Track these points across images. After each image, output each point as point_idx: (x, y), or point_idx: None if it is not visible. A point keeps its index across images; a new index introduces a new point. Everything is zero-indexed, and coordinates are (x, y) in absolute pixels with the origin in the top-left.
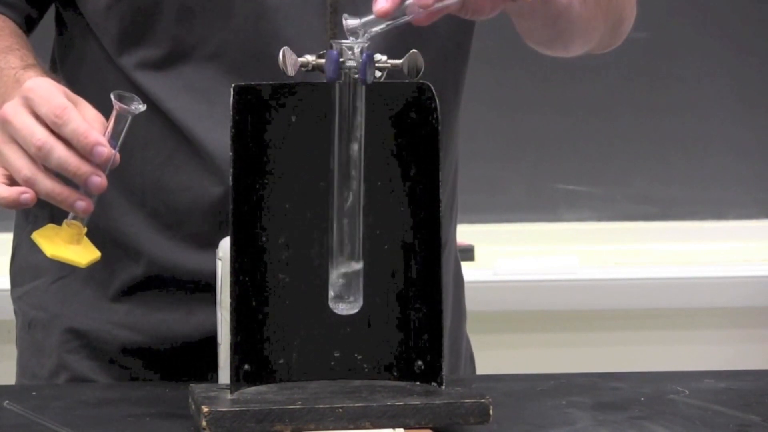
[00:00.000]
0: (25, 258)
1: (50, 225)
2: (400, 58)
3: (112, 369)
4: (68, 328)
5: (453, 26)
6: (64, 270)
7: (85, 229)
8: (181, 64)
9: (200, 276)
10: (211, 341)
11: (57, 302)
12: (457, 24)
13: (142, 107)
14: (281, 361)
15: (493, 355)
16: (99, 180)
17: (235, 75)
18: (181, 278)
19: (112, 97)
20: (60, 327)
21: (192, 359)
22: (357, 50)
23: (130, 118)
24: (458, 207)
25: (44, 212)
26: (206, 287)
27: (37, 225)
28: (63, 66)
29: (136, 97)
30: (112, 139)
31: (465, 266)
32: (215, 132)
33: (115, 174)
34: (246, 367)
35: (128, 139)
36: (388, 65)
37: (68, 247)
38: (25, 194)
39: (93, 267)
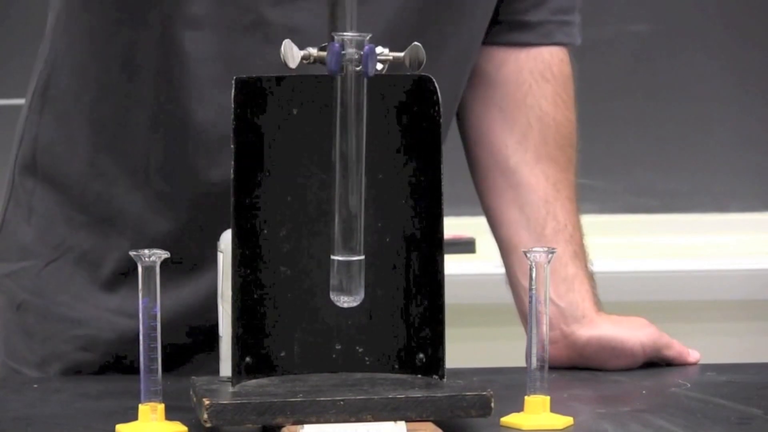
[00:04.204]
0: (14, 234)
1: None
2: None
3: (108, 358)
4: (64, 317)
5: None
6: (56, 252)
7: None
8: (182, 47)
9: (199, 260)
10: (213, 323)
11: (51, 289)
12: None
13: (164, 254)
14: (282, 354)
15: (494, 347)
16: None
17: (239, 64)
18: (180, 259)
19: (131, 254)
20: (55, 316)
21: (191, 343)
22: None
23: (158, 267)
24: (454, 198)
25: (28, 182)
26: (206, 271)
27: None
28: (59, 45)
29: (155, 250)
30: (146, 298)
31: (466, 259)
32: (216, 120)
33: (119, 152)
34: (247, 359)
35: (135, 119)
36: (390, 57)
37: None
38: None
39: (85, 248)
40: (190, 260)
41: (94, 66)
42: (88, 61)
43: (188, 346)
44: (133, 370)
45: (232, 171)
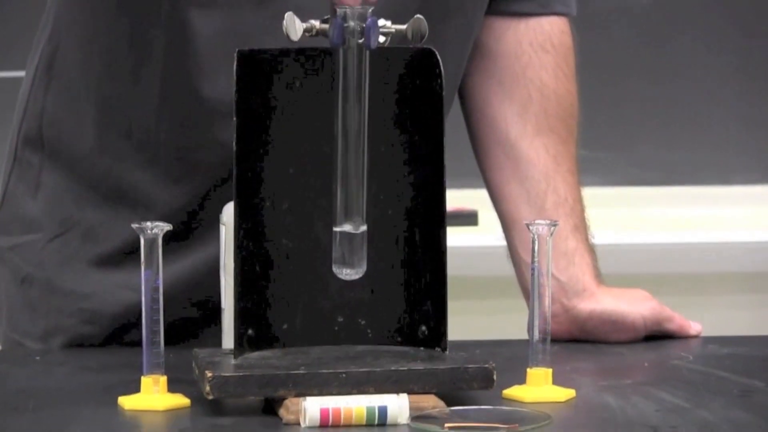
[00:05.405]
0: (18, 207)
1: None
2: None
3: (112, 331)
4: (68, 291)
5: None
6: (62, 227)
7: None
8: (190, 21)
9: (209, 235)
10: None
11: (56, 263)
12: None
13: (167, 227)
14: (285, 327)
15: (497, 320)
16: None
17: (248, 41)
18: (189, 234)
19: (133, 227)
20: (59, 289)
21: (196, 317)
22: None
23: (160, 239)
24: (456, 170)
25: (34, 156)
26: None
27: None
28: (63, 21)
29: (158, 222)
30: (148, 270)
31: (468, 231)
32: (225, 97)
33: (127, 129)
34: (250, 332)
35: (144, 98)
36: (393, 30)
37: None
38: None
39: (92, 223)
40: (199, 235)
41: (100, 43)
42: (94, 38)
43: (193, 320)
44: (135, 343)
45: (234, 143)
